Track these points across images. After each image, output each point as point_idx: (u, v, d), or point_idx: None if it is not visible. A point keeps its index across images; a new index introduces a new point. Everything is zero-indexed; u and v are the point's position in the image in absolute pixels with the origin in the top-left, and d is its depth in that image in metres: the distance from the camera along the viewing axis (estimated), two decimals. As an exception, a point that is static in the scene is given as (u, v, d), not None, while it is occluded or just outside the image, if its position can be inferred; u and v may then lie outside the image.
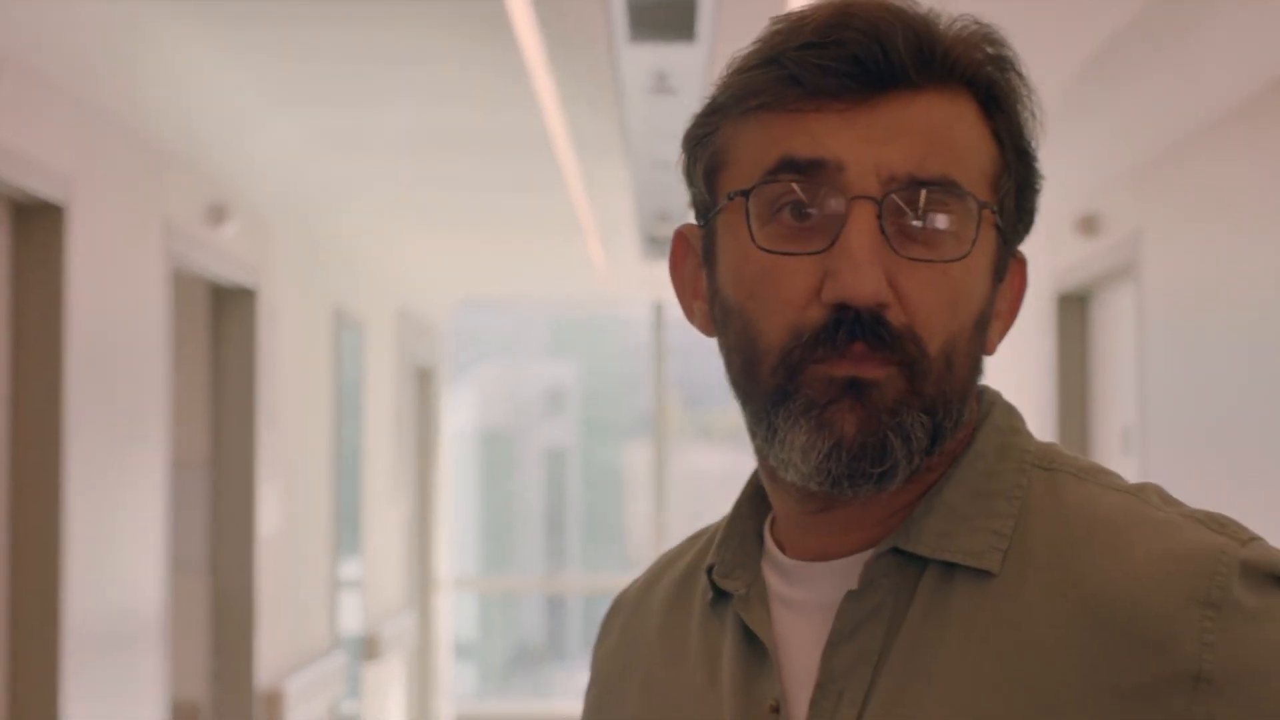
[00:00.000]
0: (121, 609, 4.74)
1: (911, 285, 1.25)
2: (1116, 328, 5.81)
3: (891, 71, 1.25)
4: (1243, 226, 4.49)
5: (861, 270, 1.23)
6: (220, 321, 6.09)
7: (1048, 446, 1.37)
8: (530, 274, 11.39)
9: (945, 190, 1.25)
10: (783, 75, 1.26)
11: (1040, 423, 6.39)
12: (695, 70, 5.51)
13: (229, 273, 5.78)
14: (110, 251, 4.63)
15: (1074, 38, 5.46)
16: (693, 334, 1.38)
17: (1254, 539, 1.25)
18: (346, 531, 7.95)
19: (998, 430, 1.36)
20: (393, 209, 7.98)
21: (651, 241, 8.86)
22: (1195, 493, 4.71)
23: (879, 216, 1.24)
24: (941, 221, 1.26)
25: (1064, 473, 1.33)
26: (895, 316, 1.24)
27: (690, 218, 1.39)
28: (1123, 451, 5.69)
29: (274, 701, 6.18)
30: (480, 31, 5.12)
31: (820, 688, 1.29)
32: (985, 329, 1.33)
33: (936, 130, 1.26)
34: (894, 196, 1.24)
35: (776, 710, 1.31)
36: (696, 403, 14.61)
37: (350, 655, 8.07)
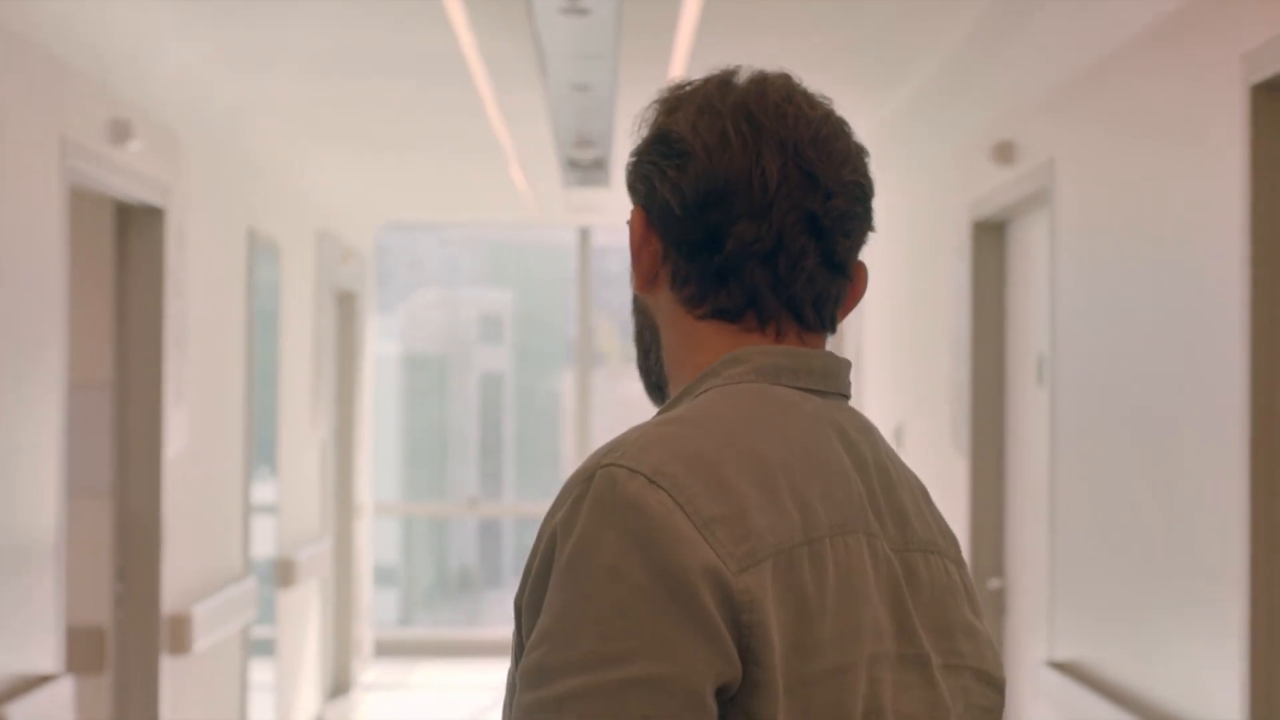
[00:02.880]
0: (15, 533, 4.66)
1: None
2: (1032, 256, 5.78)
3: None
4: (1156, 152, 4.45)
5: None
6: (126, 241, 5.99)
7: (692, 389, 1.72)
8: (454, 198, 11.30)
9: None
10: None
11: (955, 352, 6.37)
12: (607, -10, 5.43)
13: (135, 191, 5.68)
14: (1, 168, 4.53)
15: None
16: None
17: (611, 463, 1.59)
18: (262, 456, 7.88)
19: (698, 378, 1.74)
20: (306, 130, 7.88)
21: (571, 166, 8.77)
22: (1104, 424, 4.67)
23: None
24: None
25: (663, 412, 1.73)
26: None
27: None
28: (1037, 381, 5.67)
29: (180, 626, 6.11)
30: (387, -52, 5.04)
31: None
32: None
33: None
34: None
35: None
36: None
37: (265, 581, 8.01)
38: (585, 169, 8.98)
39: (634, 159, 1.76)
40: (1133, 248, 4.61)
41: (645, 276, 1.75)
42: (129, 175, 5.57)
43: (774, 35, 6.34)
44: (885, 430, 7.89)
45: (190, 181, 6.31)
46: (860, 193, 1.73)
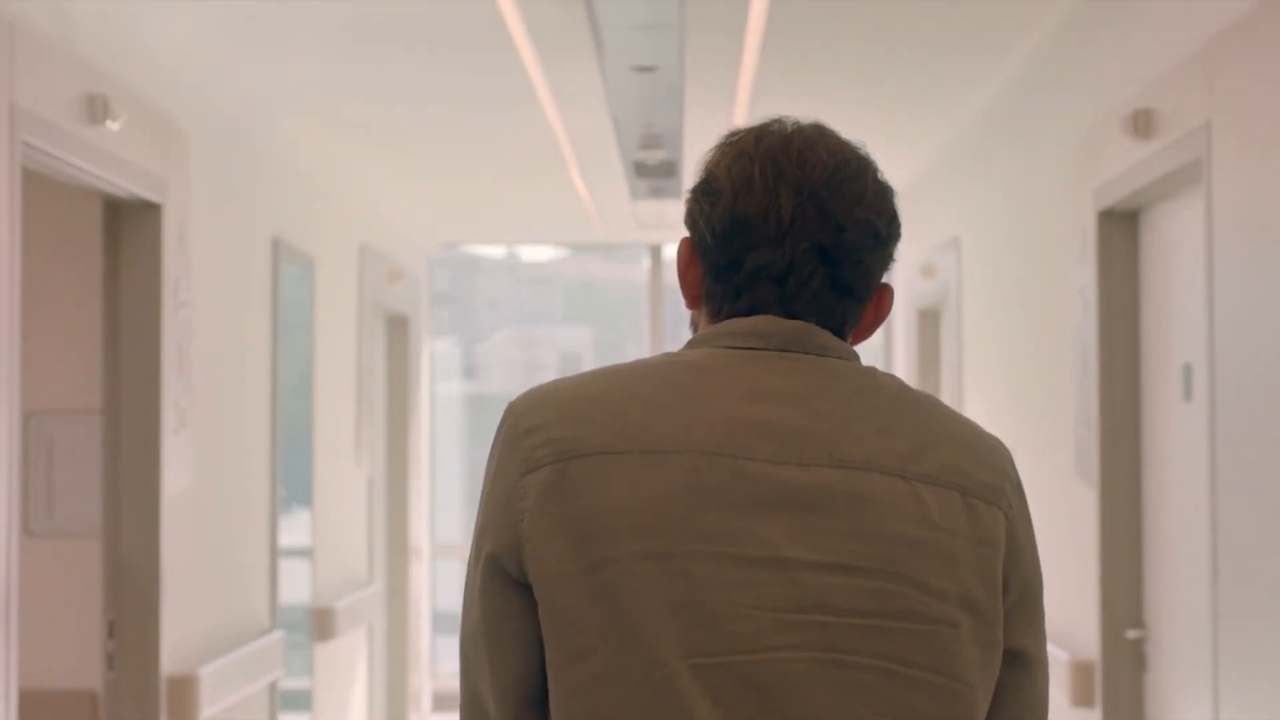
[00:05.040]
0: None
1: None
2: (1175, 247, 4.89)
3: None
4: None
5: None
6: (116, 241, 5.18)
7: None
8: (514, 216, 10.49)
9: None
10: None
11: (1079, 365, 5.48)
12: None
13: (121, 181, 4.86)
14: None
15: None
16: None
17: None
18: (295, 494, 7.07)
19: None
20: (335, 124, 7.06)
21: (638, 172, 7.92)
22: (1275, 437, 3.77)
23: None
24: None
25: None
26: None
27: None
28: (1183, 396, 4.77)
29: (183, 689, 5.27)
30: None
31: None
32: None
33: None
34: None
35: None
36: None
37: (301, 633, 7.19)
38: (654, 175, 8.13)
39: (688, 196, 2.06)
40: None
41: (692, 295, 2.08)
42: (111, 162, 4.75)
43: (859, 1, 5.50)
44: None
45: (194, 176, 5.50)
46: (871, 228, 2.01)
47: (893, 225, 2.04)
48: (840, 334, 2.03)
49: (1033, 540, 2.02)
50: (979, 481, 1.97)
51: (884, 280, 2.07)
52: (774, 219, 1.98)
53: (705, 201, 2.02)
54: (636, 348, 14.63)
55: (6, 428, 4.05)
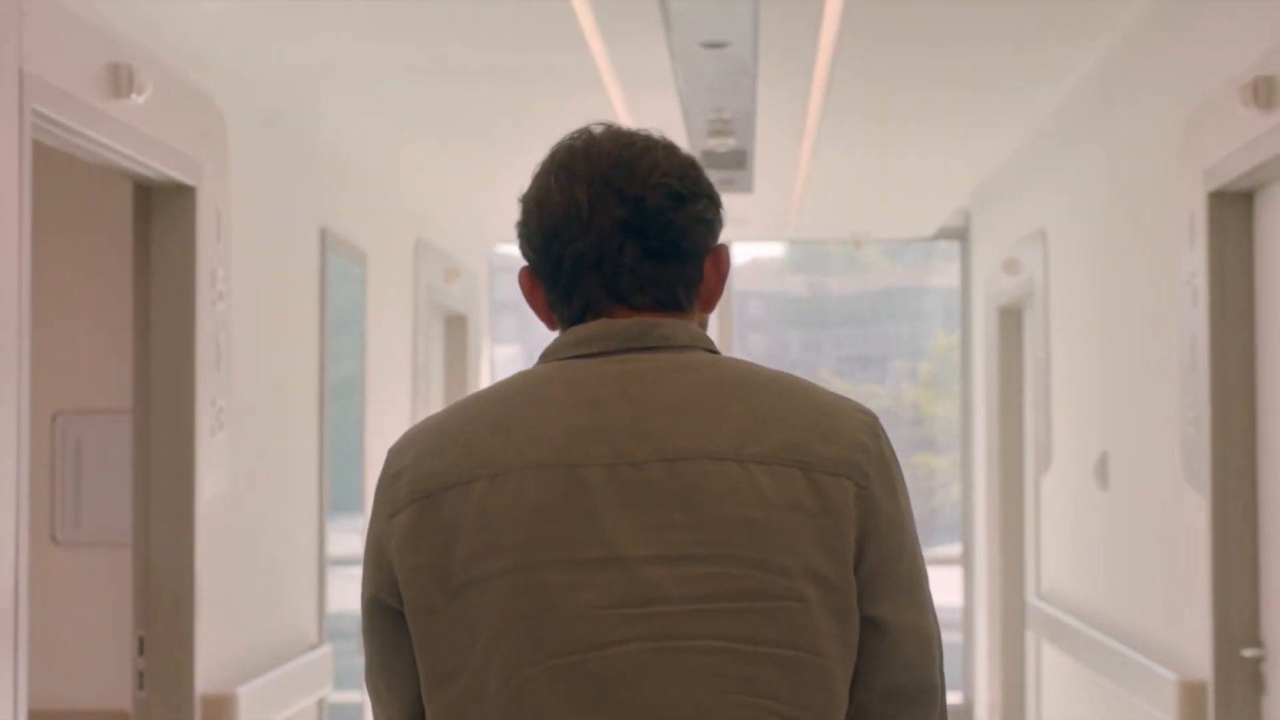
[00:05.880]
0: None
1: None
2: (1298, 229, 4.47)
3: None
4: None
5: None
6: (147, 226, 4.81)
7: None
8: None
9: None
10: None
11: (1187, 361, 5.06)
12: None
13: (151, 161, 4.49)
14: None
15: None
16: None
17: None
18: (346, 500, 6.70)
19: None
20: (385, 104, 6.68)
21: (706, 161, 7.52)
22: None
23: None
24: None
25: None
26: None
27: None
28: (1308, 390, 4.35)
29: (220, 710, 4.90)
30: None
31: None
32: None
33: None
34: None
35: None
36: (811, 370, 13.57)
37: (353, 644, 6.83)
38: (724, 166, 7.75)
39: (516, 231, 2.16)
40: None
41: (545, 316, 2.18)
42: (137, 139, 4.37)
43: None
44: (1084, 464, 6.57)
45: (233, 159, 5.13)
46: (669, 189, 2.09)
47: (697, 185, 2.12)
48: (679, 305, 2.13)
49: (898, 507, 2.05)
50: (823, 455, 2.02)
51: (717, 244, 2.16)
52: (575, 214, 2.08)
53: (523, 228, 2.14)
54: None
55: (16, 426, 3.68)
